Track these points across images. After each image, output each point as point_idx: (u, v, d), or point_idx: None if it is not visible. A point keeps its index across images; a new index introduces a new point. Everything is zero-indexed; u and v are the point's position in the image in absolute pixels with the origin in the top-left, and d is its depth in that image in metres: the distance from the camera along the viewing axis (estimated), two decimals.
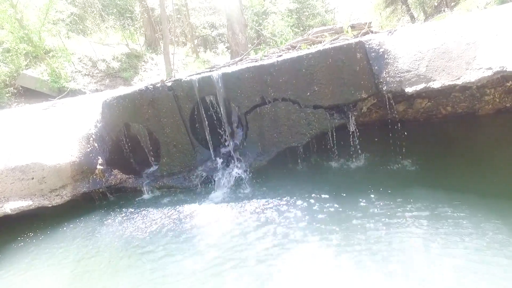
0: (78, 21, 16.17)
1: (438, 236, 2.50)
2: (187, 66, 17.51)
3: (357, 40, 3.70)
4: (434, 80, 3.05)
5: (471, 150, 3.97)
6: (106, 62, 13.40)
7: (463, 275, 2.10)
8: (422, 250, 2.39)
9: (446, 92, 5.27)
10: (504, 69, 2.57)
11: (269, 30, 19.96)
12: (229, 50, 17.10)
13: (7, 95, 9.51)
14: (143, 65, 15.42)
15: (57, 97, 9.58)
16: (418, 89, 3.15)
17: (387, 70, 3.43)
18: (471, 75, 2.79)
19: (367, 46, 3.61)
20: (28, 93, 10.49)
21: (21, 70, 10.30)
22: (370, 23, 6.51)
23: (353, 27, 6.47)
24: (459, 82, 2.87)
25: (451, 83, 2.93)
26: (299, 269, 2.48)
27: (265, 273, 2.49)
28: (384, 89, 3.46)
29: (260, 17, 21.55)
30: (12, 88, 9.92)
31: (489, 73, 2.67)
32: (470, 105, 5.12)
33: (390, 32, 3.65)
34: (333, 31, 6.62)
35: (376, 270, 2.29)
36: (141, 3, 16.61)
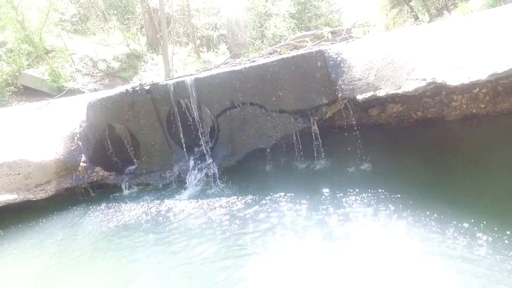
0: (80, 22, 16.59)
1: (386, 222, 2.76)
2: (187, 66, 17.82)
3: (317, 49, 3.93)
4: (380, 89, 3.27)
5: (424, 152, 4.19)
6: (107, 62, 13.77)
7: (400, 253, 2.35)
8: (374, 232, 2.70)
9: (418, 97, 5.47)
10: (435, 80, 2.79)
11: (270, 31, 20.17)
12: (229, 51, 17.37)
13: (8, 93, 9.91)
14: (143, 65, 15.77)
15: (56, 96, 9.97)
16: (367, 96, 3.38)
17: (342, 78, 3.66)
18: (409, 85, 3.01)
19: (327, 55, 3.84)
20: (29, 92, 10.89)
21: (22, 69, 10.70)
22: (350, 29, 6.72)
23: (333, 32, 6.68)
24: (399, 91, 3.08)
25: (393, 91, 3.15)
26: (258, 252, 2.76)
27: (228, 256, 2.79)
28: (339, 96, 3.69)
29: (262, 18, 21.77)
30: (13, 87, 10.32)
31: (423, 83, 2.88)
32: (439, 111, 5.30)
33: (347, 41, 3.87)
34: (314, 37, 6.84)
35: (327, 248, 2.56)
36: (142, 4, 16.98)
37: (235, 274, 2.56)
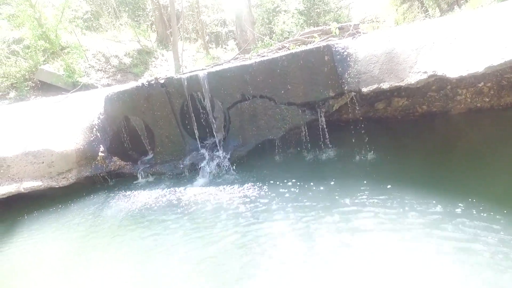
0: (93, 18, 16.96)
1: (389, 210, 2.94)
2: (197, 62, 18.08)
3: (325, 44, 4.11)
4: (384, 81, 3.45)
5: (429, 144, 4.34)
6: (119, 58, 14.11)
7: (406, 242, 2.54)
8: (375, 216, 2.89)
9: (423, 91, 5.61)
10: (436, 73, 2.95)
11: (279, 27, 20.27)
12: (238, 47, 17.56)
13: (26, 88, 10.30)
14: (154, 61, 16.09)
15: (71, 91, 10.32)
16: (371, 89, 3.56)
17: (348, 72, 3.84)
18: (412, 78, 3.18)
19: (334, 49, 4.02)
20: (45, 87, 11.27)
21: (39, 65, 11.08)
22: (358, 25, 6.84)
23: (341, 28, 6.82)
24: (403, 83, 3.26)
25: (397, 84, 3.32)
26: (268, 234, 2.99)
27: (242, 236, 3.02)
28: (345, 88, 3.87)
29: (270, 14, 21.87)
30: (30, 82, 10.71)
31: (424, 76, 3.05)
32: (444, 104, 5.44)
33: (354, 37, 4.04)
34: (322, 32, 6.99)
35: (334, 238, 2.76)
36: (153, 0, 17.25)
37: (251, 249, 2.79)
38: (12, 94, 10.65)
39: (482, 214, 2.64)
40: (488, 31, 2.82)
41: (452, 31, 3.13)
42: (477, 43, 2.78)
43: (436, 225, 2.63)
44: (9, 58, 11.41)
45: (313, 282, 2.32)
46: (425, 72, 3.05)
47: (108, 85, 12.18)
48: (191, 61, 18.49)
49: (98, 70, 13.13)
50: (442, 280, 2.12)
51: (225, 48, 23.02)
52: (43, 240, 3.90)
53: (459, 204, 2.82)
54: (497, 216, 2.57)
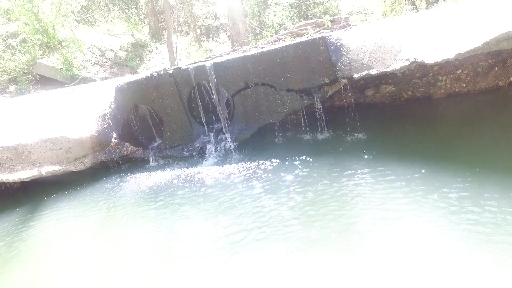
0: (86, 12, 17.02)
1: (380, 178, 3.46)
2: (190, 55, 18.35)
3: (320, 35, 4.59)
4: (373, 68, 3.96)
5: (413, 125, 4.89)
6: (114, 51, 14.32)
7: (392, 206, 3.06)
8: (365, 183, 3.39)
9: (408, 78, 6.17)
10: (416, 60, 3.47)
11: (270, 20, 20.63)
12: (230, 40, 17.87)
13: (26, 82, 10.52)
14: (148, 54, 16.31)
15: (71, 84, 10.58)
16: (362, 75, 4.06)
17: (341, 60, 4.33)
18: (396, 64, 3.69)
19: (328, 40, 4.50)
20: (44, 81, 11.49)
21: (37, 59, 11.28)
22: (348, 18, 7.34)
23: (333, 21, 7.32)
24: (388, 69, 3.77)
25: (383, 70, 3.83)
26: (271, 206, 3.47)
27: (249, 208, 3.49)
28: (339, 75, 4.37)
29: (261, 6, 22.17)
30: (30, 75, 10.92)
31: (407, 63, 3.57)
32: (427, 90, 6.01)
33: (345, 29, 4.53)
34: (315, 25, 7.47)
35: (330, 203, 3.26)
36: None
37: (259, 217, 3.29)
38: (12, 87, 10.85)
39: (457, 178, 3.19)
40: (459, 23, 3.35)
41: (430, 24, 3.64)
42: (450, 34, 3.30)
43: (419, 189, 3.17)
44: (5, 52, 11.56)
45: (309, 242, 2.83)
46: (407, 59, 3.56)
47: (106, 78, 12.44)
48: (184, 54, 18.73)
49: (95, 63, 13.34)
50: (418, 232, 2.66)
51: (216, 41, 23.26)
52: (66, 216, 4.31)
53: (438, 170, 3.37)
54: (469, 179, 3.13)
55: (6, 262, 3.52)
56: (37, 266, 3.35)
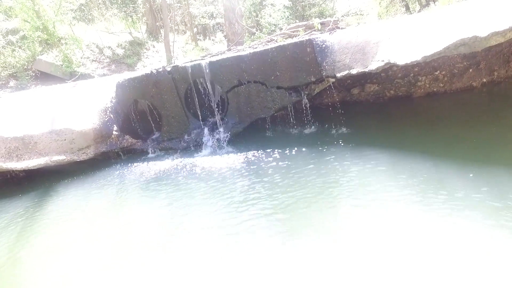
0: (84, 10, 17.28)
1: (361, 167, 3.88)
2: (187, 53, 18.68)
3: (307, 38, 5.01)
4: (353, 68, 4.39)
5: (394, 121, 5.33)
6: (112, 49, 14.62)
7: (374, 189, 3.48)
8: (350, 176, 3.79)
9: (391, 78, 6.61)
10: (390, 61, 3.90)
11: (265, 20, 21.03)
12: (226, 39, 18.24)
13: (26, 77, 10.81)
14: (145, 52, 16.62)
15: (71, 80, 10.89)
16: (343, 74, 4.49)
17: (326, 61, 4.76)
18: (373, 65, 4.12)
19: (315, 42, 4.92)
20: (43, 77, 11.77)
21: (37, 55, 11.56)
22: (337, 21, 7.77)
23: (323, 23, 7.74)
24: (366, 69, 4.20)
25: (362, 70, 4.26)
26: (262, 188, 3.88)
27: (240, 195, 3.89)
28: (324, 74, 4.79)
29: (257, 7, 22.56)
30: (30, 71, 11.21)
31: (382, 63, 3.99)
32: (408, 89, 6.46)
33: (331, 32, 4.95)
34: (307, 27, 7.89)
35: (314, 188, 3.67)
36: None
37: (247, 200, 3.71)
38: (12, 83, 11.13)
39: (424, 164, 3.62)
40: (429, 29, 3.78)
41: (406, 28, 4.08)
42: (420, 39, 3.74)
43: (392, 175, 3.60)
44: (5, 48, 11.82)
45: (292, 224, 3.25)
46: (383, 61, 3.99)
47: (104, 75, 12.75)
48: (181, 53, 19.07)
49: (93, 60, 13.65)
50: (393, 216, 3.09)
51: (213, 40, 23.61)
52: (76, 199, 4.70)
53: (415, 160, 3.78)
54: (433, 164, 3.56)
55: (32, 231, 3.94)
56: (59, 235, 3.77)
